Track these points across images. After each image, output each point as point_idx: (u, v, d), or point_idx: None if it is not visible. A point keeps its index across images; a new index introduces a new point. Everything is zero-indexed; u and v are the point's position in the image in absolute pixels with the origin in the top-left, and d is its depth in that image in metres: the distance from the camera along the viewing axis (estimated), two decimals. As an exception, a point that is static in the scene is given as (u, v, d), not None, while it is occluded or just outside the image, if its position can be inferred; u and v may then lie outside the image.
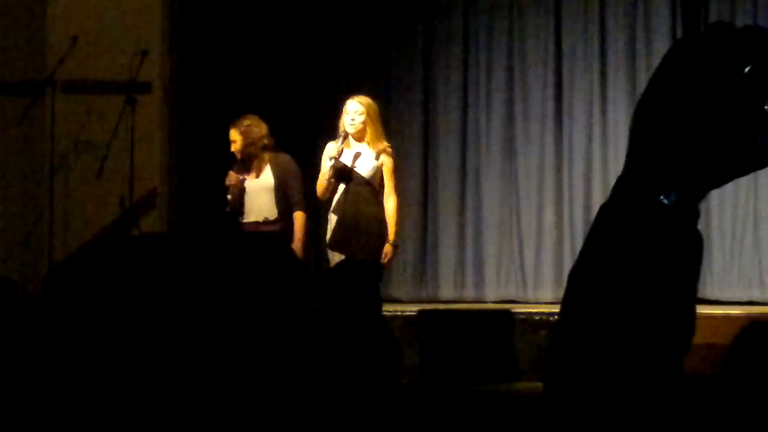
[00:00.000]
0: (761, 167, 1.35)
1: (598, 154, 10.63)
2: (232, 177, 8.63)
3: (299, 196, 8.55)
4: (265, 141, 8.60)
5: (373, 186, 8.41)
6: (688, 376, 1.35)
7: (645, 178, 1.34)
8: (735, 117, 1.31)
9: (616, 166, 10.39)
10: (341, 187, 8.41)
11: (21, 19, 10.36)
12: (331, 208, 8.47)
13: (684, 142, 1.32)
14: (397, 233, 8.54)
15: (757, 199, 10.44)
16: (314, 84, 10.68)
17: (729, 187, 8.67)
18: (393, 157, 8.50)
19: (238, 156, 8.61)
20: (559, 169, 10.68)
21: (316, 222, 9.27)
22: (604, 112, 10.65)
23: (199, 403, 1.89)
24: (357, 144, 8.41)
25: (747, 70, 1.32)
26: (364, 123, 8.36)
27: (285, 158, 8.67)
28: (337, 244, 8.38)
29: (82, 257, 1.91)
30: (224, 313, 2.07)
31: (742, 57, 1.32)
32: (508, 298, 10.60)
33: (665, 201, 1.33)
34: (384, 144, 8.43)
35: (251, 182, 8.59)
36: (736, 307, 9.96)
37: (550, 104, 10.71)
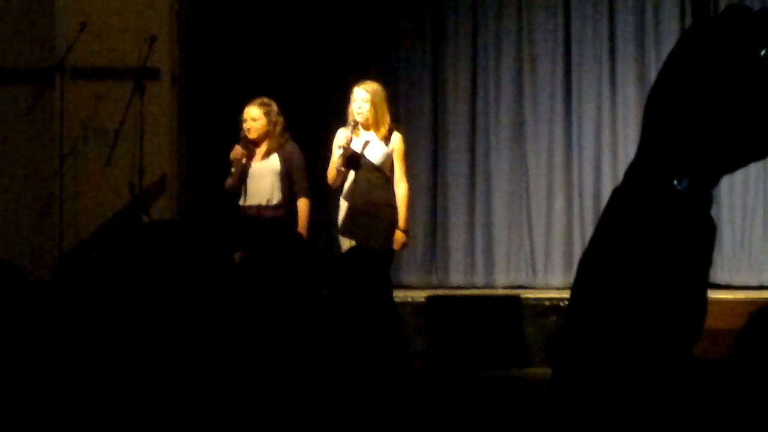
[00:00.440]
0: (776, 152, 1.34)
1: (607, 140, 10.61)
2: (237, 151, 8.51)
3: (305, 184, 8.51)
4: (284, 124, 8.56)
5: (384, 172, 8.39)
6: (697, 359, 1.34)
7: (658, 163, 1.32)
8: (750, 101, 1.30)
9: (626, 150, 10.38)
10: (352, 173, 8.39)
11: (30, 6, 10.37)
12: (342, 195, 8.44)
13: (698, 126, 1.31)
14: (408, 219, 8.52)
15: (767, 183, 10.43)
16: (324, 70, 10.65)
17: (739, 171, 8.65)
18: (403, 140, 8.46)
19: (253, 135, 8.50)
20: (568, 154, 10.67)
21: (327, 208, 9.26)
22: (613, 98, 10.63)
23: (206, 389, 1.90)
24: (366, 131, 8.39)
25: (763, 52, 1.31)
26: (369, 110, 8.32)
27: (292, 145, 8.62)
28: (348, 231, 8.37)
29: (92, 245, 1.91)
30: (234, 298, 2.07)
31: (759, 40, 1.31)
32: (518, 283, 10.59)
33: (678, 186, 1.32)
34: (389, 126, 8.35)
35: (257, 164, 8.51)
36: (747, 291, 9.96)
37: (560, 89, 10.69)
